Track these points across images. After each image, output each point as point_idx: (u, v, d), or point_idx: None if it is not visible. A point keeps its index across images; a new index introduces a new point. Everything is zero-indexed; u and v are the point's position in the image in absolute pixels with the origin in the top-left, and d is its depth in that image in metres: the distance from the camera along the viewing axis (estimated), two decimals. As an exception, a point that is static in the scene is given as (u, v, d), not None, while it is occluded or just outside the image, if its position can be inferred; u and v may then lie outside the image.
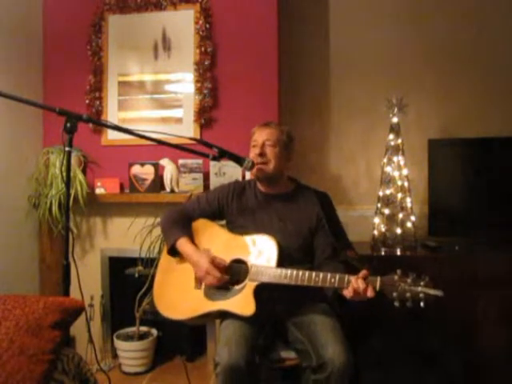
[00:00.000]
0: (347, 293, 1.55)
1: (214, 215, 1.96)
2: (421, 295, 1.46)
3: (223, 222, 1.99)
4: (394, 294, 1.48)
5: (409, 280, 1.48)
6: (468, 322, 2.24)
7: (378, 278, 1.53)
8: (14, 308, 1.41)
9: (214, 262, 1.76)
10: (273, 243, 1.73)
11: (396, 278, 1.50)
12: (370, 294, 1.51)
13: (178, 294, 1.85)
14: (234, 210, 1.91)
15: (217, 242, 1.87)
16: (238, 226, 1.88)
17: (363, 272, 1.54)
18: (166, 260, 1.93)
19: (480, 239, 2.45)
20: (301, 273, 1.62)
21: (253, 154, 1.86)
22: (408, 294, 1.47)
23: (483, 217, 2.50)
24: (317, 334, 1.66)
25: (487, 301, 2.23)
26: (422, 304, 1.46)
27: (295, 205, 1.88)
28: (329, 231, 1.80)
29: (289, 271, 1.64)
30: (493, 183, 2.50)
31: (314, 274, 1.61)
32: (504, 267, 2.24)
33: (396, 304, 1.48)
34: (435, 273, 2.24)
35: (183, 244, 1.83)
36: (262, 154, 1.83)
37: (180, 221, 1.91)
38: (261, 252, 1.74)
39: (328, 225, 1.81)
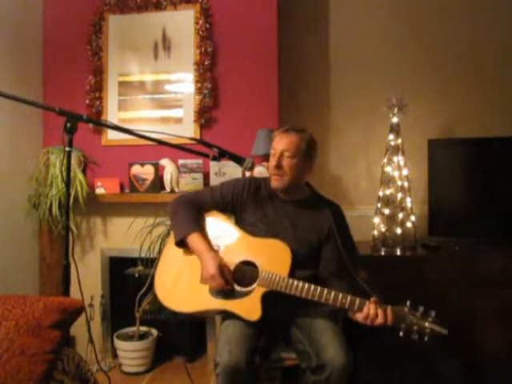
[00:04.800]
0: (359, 316, 1.56)
1: (226, 208, 1.89)
2: (427, 330, 1.48)
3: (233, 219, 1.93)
4: (402, 326, 1.51)
5: (418, 314, 1.50)
6: (468, 321, 2.24)
7: (389, 308, 1.54)
8: (13, 308, 1.40)
9: (221, 267, 1.71)
10: (287, 251, 1.70)
11: (406, 310, 1.52)
12: (380, 320, 1.52)
13: (183, 286, 1.81)
14: (247, 206, 1.86)
15: (228, 239, 1.82)
16: (248, 224, 1.84)
17: (374, 298, 1.55)
18: (172, 248, 1.86)
19: (480, 239, 2.44)
20: (312, 287, 1.61)
21: (270, 163, 1.80)
22: (415, 328, 1.49)
23: (483, 217, 2.50)
24: (317, 335, 1.66)
25: (487, 301, 2.23)
26: (426, 338, 1.49)
27: (308, 213, 1.84)
28: (340, 245, 1.76)
29: (300, 283, 1.62)
30: (493, 183, 2.50)
31: (325, 291, 1.60)
32: (504, 267, 2.24)
33: (401, 334, 1.51)
34: (435, 273, 2.27)
35: (194, 240, 1.77)
36: (278, 167, 1.77)
37: (192, 211, 1.83)
38: (273, 258, 1.71)
39: (340, 240, 1.77)
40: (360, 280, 1.72)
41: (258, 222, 1.83)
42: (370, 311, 1.53)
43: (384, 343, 2.21)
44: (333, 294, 1.59)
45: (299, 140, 1.79)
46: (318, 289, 1.61)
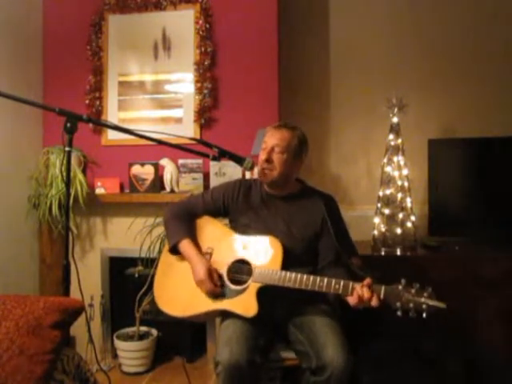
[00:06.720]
0: (351, 299, 1.55)
1: (219, 212, 1.94)
2: (424, 306, 1.47)
3: (226, 221, 1.97)
4: (398, 304, 1.49)
5: (413, 290, 1.49)
6: (468, 322, 2.24)
7: (383, 287, 1.53)
8: (14, 308, 1.40)
9: (210, 272, 1.75)
10: (278, 245, 1.72)
11: (400, 287, 1.51)
12: (374, 302, 1.52)
13: (180, 291, 1.84)
14: (239, 208, 1.89)
15: (221, 241, 1.86)
16: (242, 225, 1.87)
17: (367, 280, 1.55)
18: (168, 255, 1.92)
19: (480, 239, 2.45)
20: (305, 277, 1.62)
21: (260, 157, 1.81)
22: (411, 305, 1.48)
23: (483, 217, 2.50)
24: (317, 335, 1.66)
25: (487, 301, 2.23)
26: (424, 315, 1.47)
27: (300, 207, 1.86)
28: (333, 236, 1.78)
29: (293, 275, 1.64)
30: (493, 183, 2.50)
31: (318, 278, 1.61)
32: (504, 267, 2.24)
33: (398, 313, 1.49)
34: (435, 273, 2.27)
35: (185, 246, 1.83)
36: (268, 161, 1.78)
37: (184, 218, 1.89)
38: (265, 253, 1.73)
39: (333, 229, 1.79)
40: (353, 266, 1.73)
41: (252, 223, 1.85)
42: (363, 293, 1.52)
43: (384, 344, 2.22)
44: (325, 280, 1.60)
45: (291, 136, 1.80)
46: (311, 278, 1.62)
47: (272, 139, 1.80)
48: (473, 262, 2.29)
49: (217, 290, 1.74)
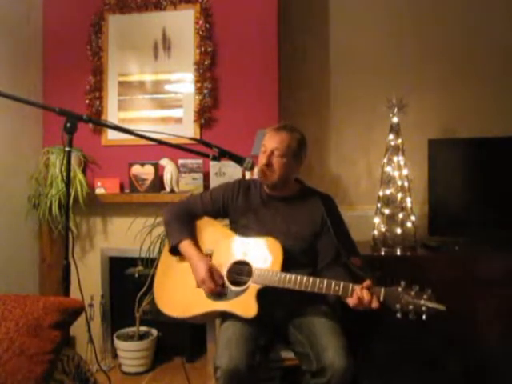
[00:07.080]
0: (351, 301, 1.55)
1: (218, 213, 1.94)
2: (423, 308, 1.47)
3: (226, 222, 1.97)
4: (397, 306, 1.50)
5: (412, 293, 1.49)
6: (468, 322, 2.24)
7: (382, 289, 1.53)
8: (14, 308, 1.40)
9: (211, 271, 1.75)
10: (278, 247, 1.72)
11: (400, 289, 1.51)
12: (374, 304, 1.52)
13: (180, 292, 1.84)
14: (238, 208, 1.89)
15: (221, 242, 1.86)
16: (241, 226, 1.87)
17: (367, 282, 1.55)
18: (168, 256, 1.92)
19: (480, 239, 2.44)
20: (305, 278, 1.62)
21: (260, 160, 1.81)
22: (411, 307, 1.48)
23: (483, 217, 2.50)
24: (317, 336, 1.66)
25: (487, 301, 2.23)
26: (423, 317, 1.47)
27: (300, 207, 1.86)
28: (333, 235, 1.78)
29: (293, 276, 1.64)
30: (493, 183, 2.50)
31: (318, 280, 1.61)
32: (504, 267, 2.24)
33: (398, 315, 1.49)
34: (435, 273, 2.27)
35: (186, 246, 1.83)
36: (268, 165, 1.78)
37: (184, 219, 1.89)
38: (265, 255, 1.73)
39: (332, 228, 1.79)
40: (353, 266, 1.73)
41: (251, 224, 1.84)
42: (363, 295, 1.52)
43: (384, 346, 2.22)
44: (325, 282, 1.60)
45: (290, 139, 1.79)
46: (311, 279, 1.62)
47: (271, 142, 1.79)
48: (473, 262, 2.29)
49: (218, 289, 1.74)
